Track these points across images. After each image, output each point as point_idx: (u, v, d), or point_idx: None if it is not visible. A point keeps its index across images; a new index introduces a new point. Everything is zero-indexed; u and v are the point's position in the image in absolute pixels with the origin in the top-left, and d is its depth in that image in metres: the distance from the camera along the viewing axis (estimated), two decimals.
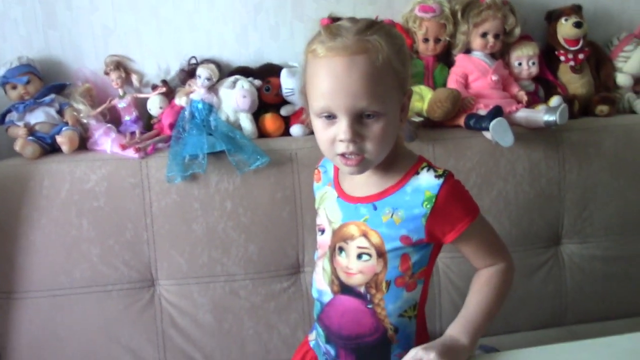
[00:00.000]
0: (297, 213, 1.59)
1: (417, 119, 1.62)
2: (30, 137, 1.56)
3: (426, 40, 1.72)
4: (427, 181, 1.03)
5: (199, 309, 1.59)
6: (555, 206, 1.70)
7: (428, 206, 1.02)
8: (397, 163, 1.07)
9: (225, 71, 1.71)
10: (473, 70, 1.72)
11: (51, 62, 1.68)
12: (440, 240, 1.07)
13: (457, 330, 1.03)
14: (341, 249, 1.10)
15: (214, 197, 1.56)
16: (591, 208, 1.72)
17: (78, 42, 1.67)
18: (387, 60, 0.97)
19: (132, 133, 1.62)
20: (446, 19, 1.72)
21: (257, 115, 1.68)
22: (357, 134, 0.98)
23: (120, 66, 1.67)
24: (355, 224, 1.08)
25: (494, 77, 1.71)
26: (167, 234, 1.56)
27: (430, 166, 1.06)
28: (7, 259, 1.53)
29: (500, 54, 1.78)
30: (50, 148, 1.58)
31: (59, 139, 1.55)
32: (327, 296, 1.14)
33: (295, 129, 1.67)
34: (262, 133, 1.67)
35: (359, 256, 1.08)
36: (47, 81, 1.65)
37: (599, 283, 1.76)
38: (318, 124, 1.01)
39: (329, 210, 1.13)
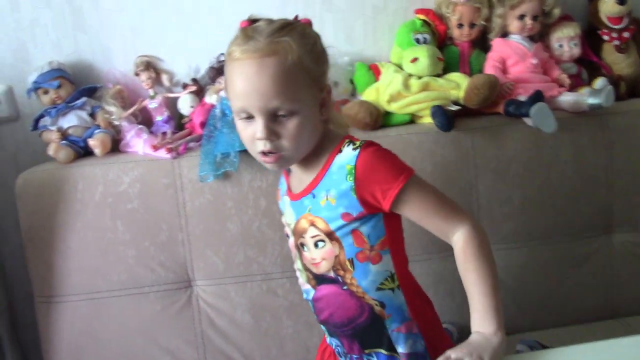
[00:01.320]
0: None
1: (453, 108, 1.56)
2: (64, 141, 1.56)
3: (460, 25, 1.66)
4: (346, 155, 1.06)
5: (236, 308, 1.57)
6: (603, 193, 1.63)
7: (351, 178, 1.05)
8: (323, 148, 1.10)
9: None
10: (511, 54, 1.65)
11: (81, 65, 1.68)
12: (381, 209, 1.06)
13: (477, 325, 1.00)
14: (302, 245, 1.14)
15: (248, 195, 1.53)
16: None
17: (107, 44, 1.67)
18: (298, 60, 1.01)
19: (164, 133, 1.61)
20: (480, 2, 1.65)
21: None
22: (272, 133, 1.02)
23: (150, 66, 1.66)
24: (303, 217, 1.12)
25: (534, 61, 1.64)
26: (202, 234, 1.54)
27: (351, 141, 1.08)
28: (46, 263, 1.54)
29: (539, 36, 1.71)
30: (83, 151, 1.59)
31: (92, 142, 1.55)
32: (311, 292, 1.18)
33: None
34: None
35: (316, 245, 1.11)
36: (78, 85, 1.65)
37: None
38: (239, 124, 1.07)
39: (287, 216, 1.18)
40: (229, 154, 1.50)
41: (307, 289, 1.19)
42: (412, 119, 1.62)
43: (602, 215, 1.65)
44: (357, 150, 1.05)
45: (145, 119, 1.67)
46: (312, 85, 1.05)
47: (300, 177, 1.13)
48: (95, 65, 1.68)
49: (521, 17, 1.65)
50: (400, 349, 1.14)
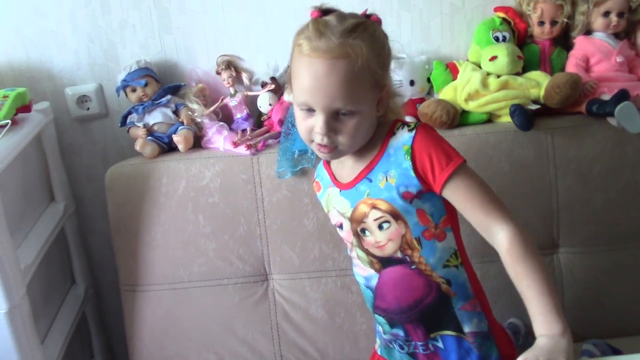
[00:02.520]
0: None
1: (533, 107, 1.54)
2: (149, 137, 1.63)
3: (541, 23, 1.63)
4: (402, 137, 1.11)
5: (311, 303, 1.60)
6: None
7: (409, 158, 1.09)
8: (375, 137, 1.14)
9: None
10: (595, 52, 1.61)
11: (167, 64, 1.74)
12: (435, 190, 1.09)
13: (543, 328, 0.97)
14: (363, 230, 1.16)
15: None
16: None
17: (191, 44, 1.73)
18: (366, 64, 1.04)
19: (244, 130, 1.65)
20: None
21: None
22: (331, 129, 1.06)
23: (231, 65, 1.71)
24: (362, 202, 1.14)
25: (619, 59, 1.59)
26: (279, 229, 1.58)
27: (404, 124, 1.13)
28: (131, 254, 1.62)
29: (625, 33, 1.65)
30: (167, 147, 1.65)
31: (176, 138, 1.61)
32: (374, 278, 1.19)
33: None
34: None
35: (380, 227, 1.14)
36: (163, 83, 1.72)
37: None
38: (299, 114, 1.11)
39: (338, 206, 1.19)
40: (306, 151, 1.53)
41: (369, 275, 1.20)
42: (490, 118, 1.60)
43: None
44: (414, 132, 1.10)
45: (225, 117, 1.72)
46: (375, 87, 1.09)
47: (352, 166, 1.16)
48: (179, 65, 1.75)
49: (606, 14, 1.60)
50: (467, 329, 1.16)
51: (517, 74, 1.60)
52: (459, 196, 1.08)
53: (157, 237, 1.59)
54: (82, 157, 1.81)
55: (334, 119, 1.06)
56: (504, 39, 1.62)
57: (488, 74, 1.59)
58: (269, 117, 1.68)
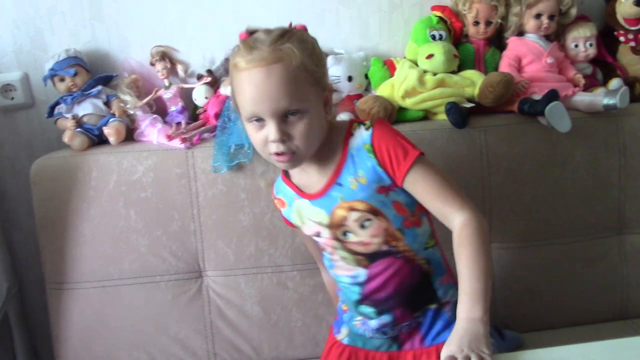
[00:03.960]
0: None
1: (468, 105, 1.56)
2: (79, 129, 1.57)
3: (476, 23, 1.66)
4: (360, 137, 1.16)
5: (246, 300, 1.58)
6: (616, 195, 1.62)
7: (372, 155, 1.14)
8: (332, 141, 1.18)
9: None
10: (527, 53, 1.65)
11: (98, 54, 1.68)
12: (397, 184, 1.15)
13: (464, 310, 1.04)
14: (345, 233, 1.20)
15: (261, 187, 1.53)
16: None
17: (124, 34, 1.68)
18: (301, 64, 1.08)
19: (178, 123, 1.61)
20: (497, 0, 1.65)
21: None
22: (284, 134, 1.09)
23: (166, 57, 1.66)
24: (337, 207, 1.18)
25: (549, 60, 1.63)
26: (214, 224, 1.55)
27: (359, 123, 1.18)
28: (58, 250, 1.55)
29: (555, 35, 1.70)
30: (97, 139, 1.60)
31: (107, 131, 1.56)
32: (362, 275, 1.23)
33: (343, 117, 1.63)
34: None
35: (362, 226, 1.18)
36: (94, 73, 1.66)
37: None
38: (250, 128, 1.13)
39: (312, 217, 1.22)
40: (243, 145, 1.51)
41: (356, 273, 1.24)
42: (426, 115, 1.62)
43: (613, 217, 1.64)
44: (370, 129, 1.15)
45: (159, 109, 1.68)
46: (316, 85, 1.12)
47: (318, 174, 1.19)
48: (111, 54, 1.69)
49: (538, 16, 1.65)
50: (444, 299, 1.26)
51: (453, 72, 1.62)
52: (418, 188, 1.14)
53: (85, 233, 1.54)
54: (6, 150, 1.73)
55: (284, 123, 1.09)
56: (441, 38, 1.65)
57: (425, 71, 1.61)
58: (205, 111, 1.65)
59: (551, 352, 1.03)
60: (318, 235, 1.24)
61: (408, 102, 1.59)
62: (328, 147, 1.17)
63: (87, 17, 1.65)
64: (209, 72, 1.67)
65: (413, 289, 1.23)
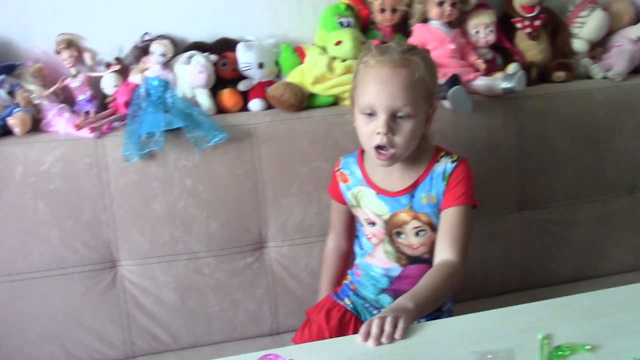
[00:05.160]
0: (258, 188, 1.58)
1: None
2: None
3: (383, 10, 1.71)
4: (445, 165, 1.34)
5: (162, 288, 1.58)
6: (515, 172, 1.72)
7: (445, 182, 1.32)
8: (420, 157, 1.34)
9: (180, 47, 1.67)
10: (431, 39, 1.71)
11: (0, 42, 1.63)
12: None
13: (403, 299, 1.16)
14: (399, 233, 1.36)
15: (173, 174, 1.54)
16: (551, 173, 1.75)
17: (26, 21, 1.62)
18: (422, 76, 1.24)
19: (87, 113, 1.58)
20: None
21: (214, 91, 1.65)
22: (390, 129, 1.23)
23: (72, 44, 1.62)
24: (403, 211, 1.34)
25: (452, 46, 1.70)
26: (127, 213, 1.54)
27: (447, 153, 1.36)
28: None
29: (457, 22, 1.77)
30: (1, 130, 1.54)
31: (11, 121, 1.51)
32: (397, 270, 1.39)
33: (255, 104, 1.65)
34: (220, 109, 1.65)
35: (417, 234, 1.35)
36: None
37: (560, 247, 1.79)
38: (360, 120, 1.27)
39: (373, 206, 1.36)
40: (154, 133, 1.50)
41: (391, 267, 1.39)
42: (336, 101, 1.66)
43: (514, 194, 1.74)
44: (455, 163, 1.34)
45: (67, 98, 1.64)
46: (427, 99, 1.27)
47: (398, 179, 1.34)
48: (13, 42, 1.63)
49: (440, 3, 1.71)
50: (445, 308, 1.45)
51: None
52: (446, 221, 1.31)
53: None
54: None
55: (392, 121, 1.23)
56: (348, 25, 1.68)
57: (334, 58, 1.65)
58: (114, 99, 1.62)
59: (457, 321, 1.11)
60: (372, 224, 1.37)
61: (318, 88, 1.63)
62: (415, 161, 1.34)
63: None
64: (118, 60, 1.65)
65: None
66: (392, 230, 1.36)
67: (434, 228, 1.34)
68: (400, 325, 1.05)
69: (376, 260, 1.41)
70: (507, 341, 1.02)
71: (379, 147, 1.25)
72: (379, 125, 1.23)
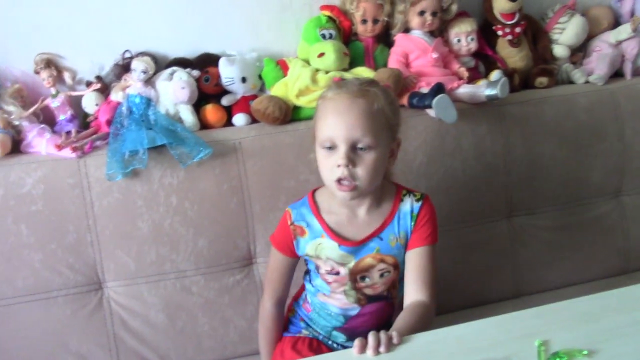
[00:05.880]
0: (245, 203, 1.56)
1: None
2: None
3: (364, 21, 1.71)
4: (410, 204, 1.32)
5: (150, 308, 1.55)
6: (502, 179, 1.72)
7: (412, 223, 1.31)
8: (384, 197, 1.32)
9: (161, 64, 1.66)
10: (413, 49, 1.72)
11: None
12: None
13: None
14: (363, 277, 1.32)
15: (158, 192, 1.52)
16: (537, 179, 1.75)
17: (3, 41, 1.59)
18: (382, 108, 1.22)
19: (68, 132, 1.56)
20: None
21: (197, 107, 1.64)
22: (351, 161, 1.20)
23: (51, 64, 1.60)
24: (370, 256, 1.30)
25: (434, 55, 1.71)
26: (112, 233, 1.51)
27: (408, 191, 1.34)
28: None
29: (439, 31, 1.78)
30: None
31: None
32: (354, 310, 1.36)
33: (239, 119, 1.64)
34: (204, 125, 1.63)
35: (382, 275, 1.32)
36: None
37: (550, 252, 1.79)
38: (321, 154, 1.24)
39: (336, 258, 1.31)
40: (137, 151, 1.48)
41: (350, 307, 1.36)
42: None
43: (502, 200, 1.74)
44: (420, 202, 1.32)
45: (47, 119, 1.61)
46: (388, 131, 1.25)
47: (365, 223, 1.30)
48: None
49: (421, 13, 1.71)
50: None
51: (344, 69, 1.67)
52: (416, 261, 1.29)
53: None
54: None
55: (353, 153, 1.20)
56: (331, 37, 1.68)
57: (317, 70, 1.64)
58: (96, 118, 1.60)
59: (454, 330, 1.08)
60: (335, 273, 1.32)
61: (302, 101, 1.62)
62: (379, 201, 1.31)
63: None
64: (98, 78, 1.63)
65: (383, 326, 1.23)
66: (357, 275, 1.32)
67: (397, 268, 1.32)
68: (395, 334, 1.04)
69: (333, 301, 1.36)
70: (504, 349, 1.00)
71: (340, 180, 1.21)
72: (339, 157, 1.19)
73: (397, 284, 1.34)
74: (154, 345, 1.56)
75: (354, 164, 1.20)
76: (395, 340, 1.04)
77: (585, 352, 0.98)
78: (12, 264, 1.48)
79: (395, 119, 1.27)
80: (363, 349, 1.02)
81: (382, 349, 1.02)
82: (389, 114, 1.24)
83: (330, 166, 1.21)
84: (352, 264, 1.30)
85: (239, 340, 1.60)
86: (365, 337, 1.17)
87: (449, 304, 1.67)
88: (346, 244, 1.29)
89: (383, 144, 1.23)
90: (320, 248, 1.31)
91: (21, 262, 1.48)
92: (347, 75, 1.62)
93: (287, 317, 1.47)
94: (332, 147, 1.21)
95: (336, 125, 1.20)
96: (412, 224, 1.30)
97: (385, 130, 1.23)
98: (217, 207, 1.55)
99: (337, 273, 1.32)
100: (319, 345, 1.40)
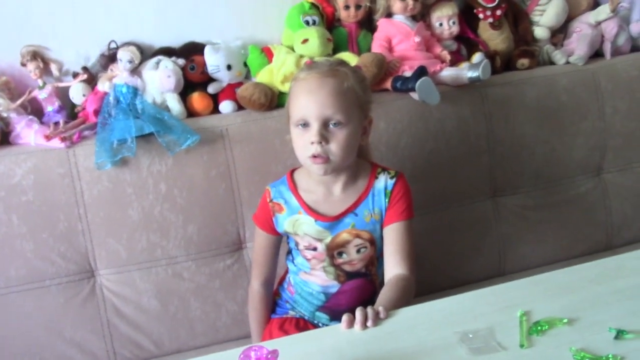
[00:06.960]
0: (233, 189, 1.58)
1: None
2: None
3: (347, 7, 1.73)
4: (384, 182, 1.35)
5: (142, 295, 1.57)
6: (486, 160, 1.75)
7: (387, 200, 1.34)
8: (359, 175, 1.36)
9: (147, 53, 1.67)
10: (395, 33, 1.74)
11: None
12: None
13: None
14: (340, 253, 1.36)
15: (147, 180, 1.53)
16: (520, 159, 1.78)
17: None
18: (352, 86, 1.27)
19: (56, 123, 1.57)
20: None
21: (184, 95, 1.65)
22: (324, 137, 1.24)
23: (37, 56, 1.61)
24: (345, 232, 1.34)
25: (417, 39, 1.73)
26: (102, 222, 1.53)
27: (383, 169, 1.37)
28: None
29: (421, 15, 1.80)
30: None
31: None
32: (335, 287, 1.39)
33: (225, 105, 1.66)
34: (191, 113, 1.65)
35: (358, 251, 1.36)
36: None
37: (534, 231, 1.83)
38: (295, 133, 1.29)
39: (312, 233, 1.35)
40: (125, 139, 1.49)
41: (330, 285, 1.39)
42: None
43: (486, 181, 1.77)
44: (394, 179, 1.35)
45: (35, 110, 1.62)
46: (360, 109, 1.30)
47: (340, 200, 1.34)
48: None
49: None
50: None
51: (328, 55, 1.68)
52: (392, 237, 1.33)
53: None
54: None
55: (325, 130, 1.25)
56: (314, 23, 1.70)
57: (301, 56, 1.66)
58: (84, 109, 1.61)
59: (438, 303, 1.13)
60: (313, 249, 1.36)
61: (287, 87, 1.61)
62: (354, 178, 1.35)
63: None
64: (85, 69, 1.64)
65: (364, 305, 1.21)
66: (334, 251, 1.36)
67: (373, 243, 1.36)
68: (382, 309, 1.08)
69: (314, 278, 1.40)
70: (487, 320, 1.04)
71: (314, 157, 1.26)
72: (312, 135, 1.24)
73: (375, 262, 1.39)
74: (147, 330, 1.58)
75: (326, 141, 1.25)
76: (382, 315, 1.07)
77: (565, 321, 1.02)
78: (4, 254, 1.49)
79: (365, 97, 1.32)
80: (351, 324, 1.05)
81: (369, 323, 1.05)
82: (359, 92, 1.29)
83: (304, 144, 1.26)
84: (328, 239, 1.34)
85: (231, 324, 1.63)
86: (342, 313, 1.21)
87: (434, 284, 1.70)
88: (322, 219, 1.33)
89: (354, 121, 1.28)
90: (297, 224, 1.35)
91: (13, 253, 1.49)
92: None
93: (274, 300, 1.51)
94: (305, 125, 1.26)
95: (308, 103, 1.25)
96: (387, 200, 1.34)
97: (355, 108, 1.28)
98: (205, 193, 1.57)
99: (315, 249, 1.36)
100: (305, 324, 1.44)
